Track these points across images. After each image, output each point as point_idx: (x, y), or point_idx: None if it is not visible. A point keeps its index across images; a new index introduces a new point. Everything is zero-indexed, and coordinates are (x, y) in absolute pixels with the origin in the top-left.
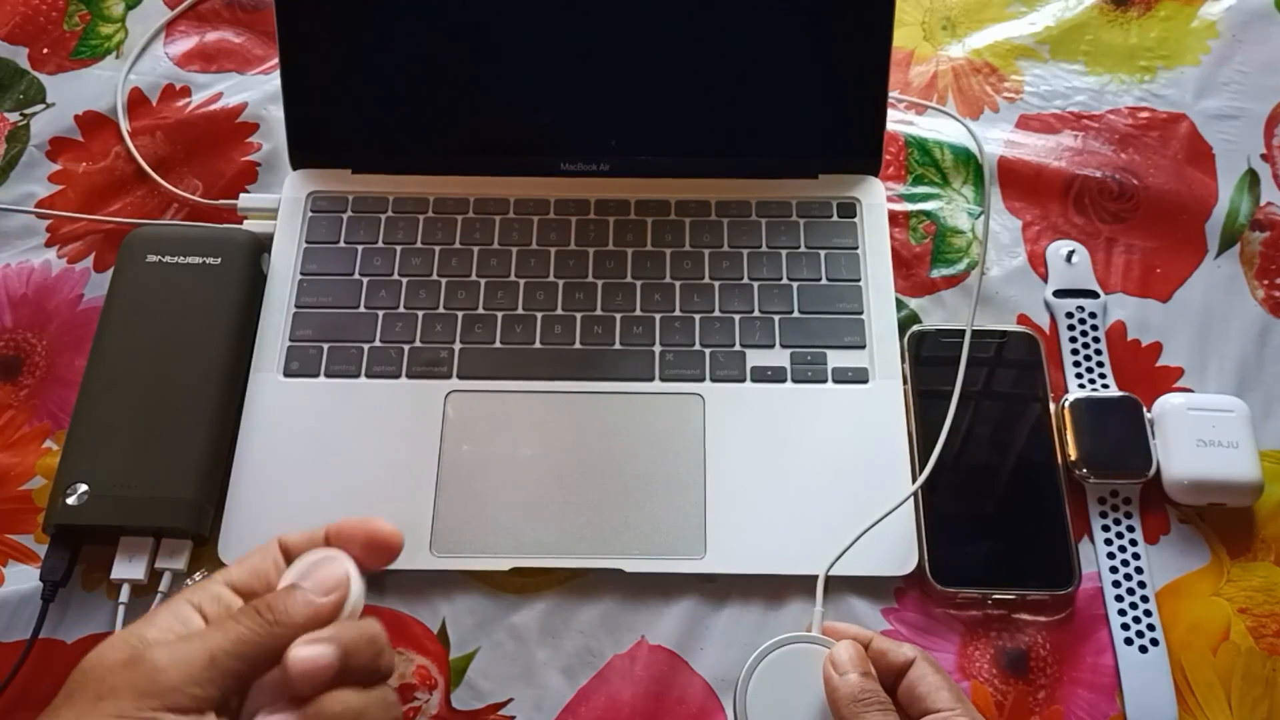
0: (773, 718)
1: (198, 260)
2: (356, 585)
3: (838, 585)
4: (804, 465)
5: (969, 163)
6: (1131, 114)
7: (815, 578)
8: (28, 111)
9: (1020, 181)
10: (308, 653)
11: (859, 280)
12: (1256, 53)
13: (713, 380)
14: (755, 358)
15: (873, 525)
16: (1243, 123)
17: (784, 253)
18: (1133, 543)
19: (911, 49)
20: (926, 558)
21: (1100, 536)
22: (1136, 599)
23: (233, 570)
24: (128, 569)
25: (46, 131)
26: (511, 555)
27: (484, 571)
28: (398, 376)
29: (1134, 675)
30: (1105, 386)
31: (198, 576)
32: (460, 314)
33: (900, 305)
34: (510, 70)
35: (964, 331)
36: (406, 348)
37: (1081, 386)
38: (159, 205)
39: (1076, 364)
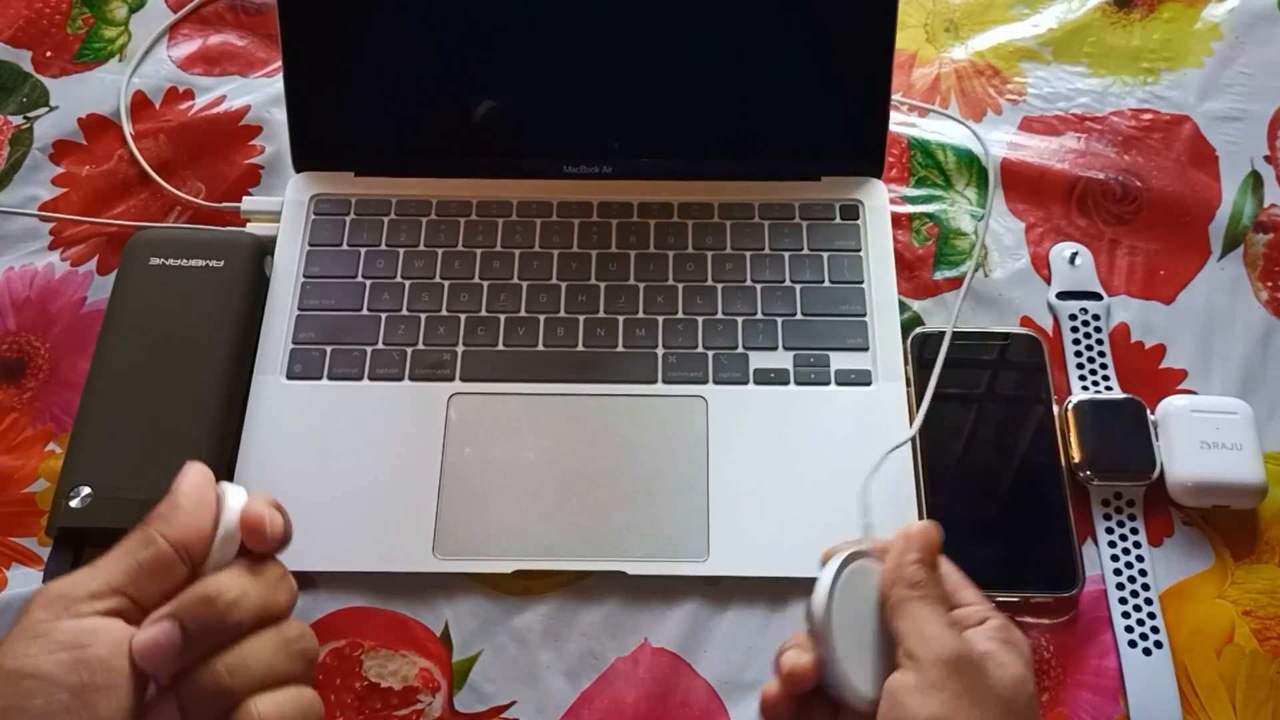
0: (851, 633)
1: (201, 263)
2: (231, 505)
3: None
4: (807, 467)
5: (972, 165)
6: (1134, 116)
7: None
8: (31, 114)
9: (1023, 183)
10: (145, 635)
11: (862, 282)
12: (1260, 54)
13: (715, 382)
14: (758, 360)
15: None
16: (1246, 124)
17: (786, 255)
18: (1136, 545)
19: (914, 51)
20: None
21: (1104, 539)
22: (1140, 601)
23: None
24: None
25: (50, 134)
26: (514, 558)
27: (487, 574)
28: (400, 379)
29: (1138, 678)
30: (1109, 388)
31: None
32: (463, 316)
33: (903, 307)
34: (513, 73)
35: (969, 334)
36: (409, 350)
37: (1085, 388)
38: (162, 208)
39: (1080, 366)
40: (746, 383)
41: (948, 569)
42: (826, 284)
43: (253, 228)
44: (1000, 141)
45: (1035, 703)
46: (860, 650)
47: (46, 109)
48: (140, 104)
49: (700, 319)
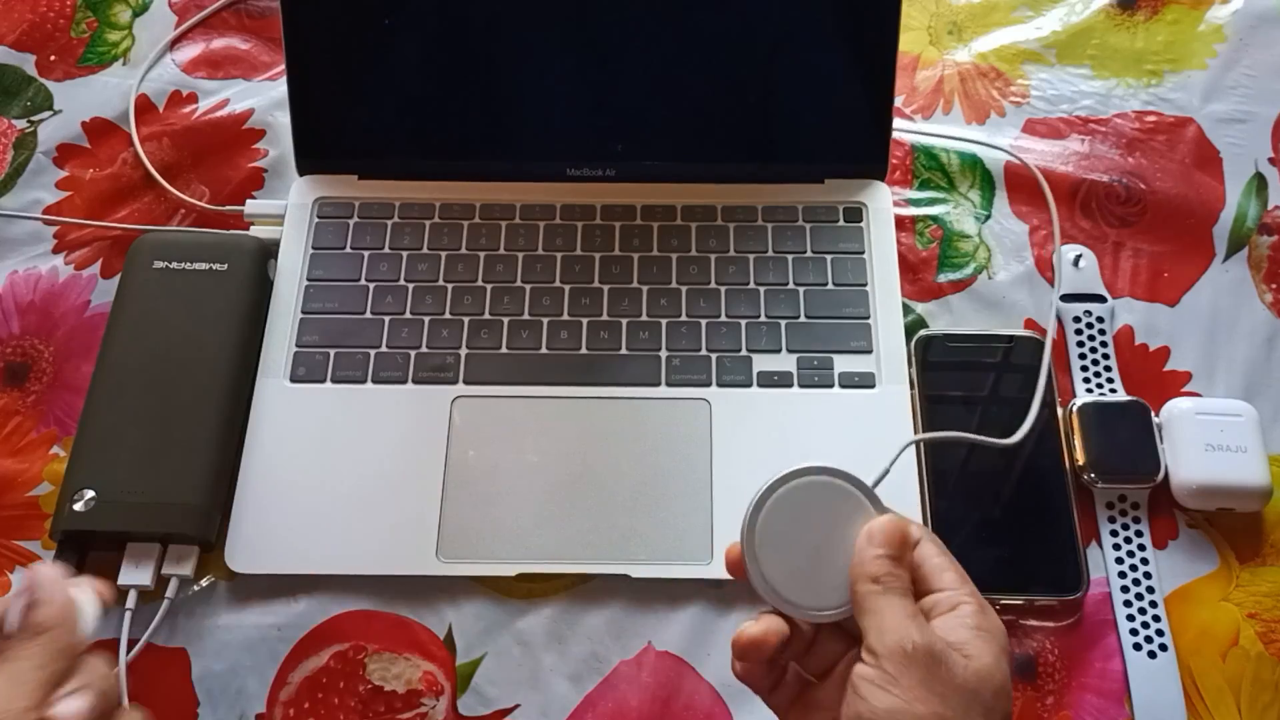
0: (782, 551)
1: (204, 266)
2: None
3: None
4: None
5: (975, 167)
6: (1138, 118)
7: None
8: (35, 118)
9: (1027, 186)
10: None
11: (865, 285)
12: (1263, 56)
13: (719, 385)
14: (762, 363)
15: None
16: (1250, 126)
17: (790, 257)
18: (1141, 548)
19: (917, 54)
20: None
21: (1108, 541)
22: (1145, 604)
23: None
24: (134, 575)
25: (54, 138)
26: (518, 561)
27: (490, 577)
28: (404, 382)
29: (1143, 681)
30: (1113, 391)
31: (204, 583)
32: (466, 319)
33: (907, 310)
34: (516, 76)
35: (973, 336)
36: (413, 353)
37: (1089, 391)
38: (166, 211)
39: (1084, 368)
40: (750, 385)
41: (929, 551)
42: (830, 286)
43: (256, 231)
44: (1004, 144)
45: (1006, 692)
46: (802, 564)
47: (50, 112)
48: (144, 107)
49: (703, 321)
